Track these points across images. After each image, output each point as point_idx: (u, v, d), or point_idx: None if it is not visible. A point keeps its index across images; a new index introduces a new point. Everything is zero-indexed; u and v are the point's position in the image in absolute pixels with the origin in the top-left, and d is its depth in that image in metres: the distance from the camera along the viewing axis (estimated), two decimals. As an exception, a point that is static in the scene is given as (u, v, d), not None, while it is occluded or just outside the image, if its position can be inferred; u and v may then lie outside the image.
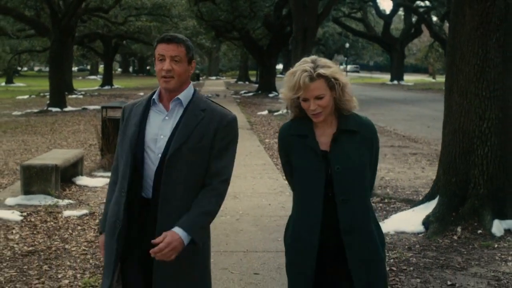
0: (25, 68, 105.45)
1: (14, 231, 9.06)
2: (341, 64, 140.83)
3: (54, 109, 32.37)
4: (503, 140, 9.39)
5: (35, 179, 10.79)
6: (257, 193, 11.31)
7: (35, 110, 32.77)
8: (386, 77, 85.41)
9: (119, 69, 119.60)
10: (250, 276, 7.12)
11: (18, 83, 72.17)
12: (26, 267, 7.51)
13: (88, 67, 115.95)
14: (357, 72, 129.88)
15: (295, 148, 4.01)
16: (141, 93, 47.83)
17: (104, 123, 14.09)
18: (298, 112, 4.04)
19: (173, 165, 3.96)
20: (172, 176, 3.96)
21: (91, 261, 7.74)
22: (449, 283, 7.02)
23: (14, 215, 9.80)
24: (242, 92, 53.73)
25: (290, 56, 36.04)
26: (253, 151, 17.08)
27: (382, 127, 24.82)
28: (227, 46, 78.17)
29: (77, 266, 7.57)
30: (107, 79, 65.27)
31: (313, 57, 3.99)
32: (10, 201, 10.73)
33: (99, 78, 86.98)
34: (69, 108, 33.12)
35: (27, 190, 10.82)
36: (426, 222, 9.20)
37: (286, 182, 4.55)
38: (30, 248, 8.28)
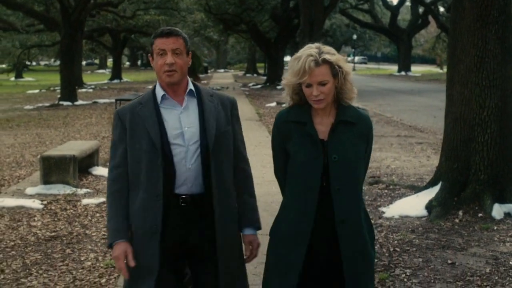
0: (34, 63, 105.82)
1: (36, 219, 9.51)
2: (348, 55, 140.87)
3: (65, 103, 32.81)
4: (503, 127, 9.77)
5: (54, 169, 11.24)
6: (267, 181, 11.69)
7: (47, 104, 33.22)
8: (393, 68, 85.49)
9: (128, 63, 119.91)
10: (261, 256, 7.51)
11: (28, 78, 72.64)
12: (50, 250, 7.96)
13: (96, 61, 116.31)
14: (365, 63, 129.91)
15: (292, 135, 4.00)
16: (150, 86, 48.07)
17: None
18: (298, 99, 4.04)
19: (215, 154, 4.03)
20: (218, 164, 4.05)
21: (111, 245, 8.18)
22: (449, 262, 7.44)
23: (35, 204, 10.26)
24: (250, 84, 54.03)
25: (297, 48, 36.29)
26: (262, 141, 17.47)
27: (388, 117, 25.19)
28: (235, 39, 78.28)
29: (98, 249, 8.02)
30: (116, 73, 65.59)
31: (317, 44, 3.99)
32: (30, 190, 11.19)
33: (107, 72, 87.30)
34: (80, 102, 33.55)
35: (46, 180, 11.26)
36: (429, 207, 9.61)
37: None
38: (53, 234, 8.74)
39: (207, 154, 4.02)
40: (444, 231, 8.71)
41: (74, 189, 11.18)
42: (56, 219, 9.51)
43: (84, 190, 11.27)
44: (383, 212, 9.77)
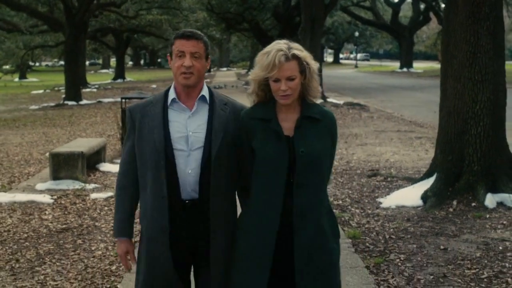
0: (37, 64, 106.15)
1: (47, 212, 9.90)
2: (351, 52, 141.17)
3: (70, 103, 33.22)
4: (495, 120, 10.15)
5: (63, 165, 11.63)
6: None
7: (52, 104, 33.63)
8: (396, 64, 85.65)
9: (130, 62, 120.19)
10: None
11: (31, 78, 73.00)
12: (61, 241, 8.36)
13: (100, 61, 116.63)
14: (368, 60, 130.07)
15: (257, 132, 3.99)
16: (154, 86, 48.63)
17: (124, 113, 14.88)
18: (263, 96, 4.04)
19: (218, 161, 4.01)
20: (219, 172, 4.02)
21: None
22: (442, 247, 7.83)
23: (46, 198, 10.66)
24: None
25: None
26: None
27: (389, 113, 25.55)
28: (237, 38, 78.46)
29: (107, 240, 8.41)
30: (119, 73, 65.88)
31: (285, 40, 4.01)
32: (40, 186, 11.60)
33: (111, 71, 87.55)
34: (84, 102, 33.93)
35: (56, 176, 11.66)
36: (424, 197, 9.99)
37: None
38: (64, 226, 9.13)
39: (208, 161, 4.00)
40: (438, 220, 9.09)
41: (82, 184, 11.56)
42: (66, 213, 9.90)
43: (92, 185, 11.67)
44: (380, 203, 10.14)
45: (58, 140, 18.65)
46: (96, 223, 9.19)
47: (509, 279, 6.72)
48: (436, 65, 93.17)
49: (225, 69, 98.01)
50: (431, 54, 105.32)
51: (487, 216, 9.19)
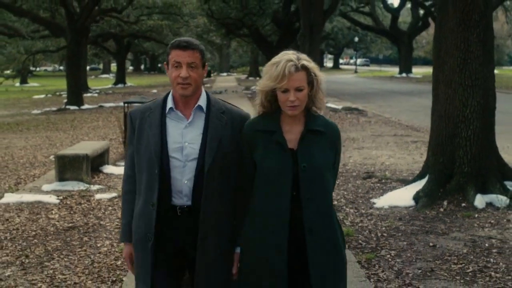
0: (38, 69, 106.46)
1: (53, 212, 10.29)
2: (351, 58, 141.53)
3: (72, 107, 33.58)
4: (484, 123, 10.54)
5: (68, 167, 12.02)
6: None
7: (54, 109, 34.01)
8: (395, 70, 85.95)
9: (131, 67, 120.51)
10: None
11: (32, 83, 73.41)
12: (68, 239, 8.75)
13: (100, 66, 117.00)
14: (367, 65, 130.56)
15: (260, 144, 3.99)
16: (154, 91, 48.96)
17: (126, 118, 15.27)
18: (269, 107, 4.04)
19: (212, 172, 4.01)
20: (211, 183, 4.02)
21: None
22: (431, 244, 8.22)
23: (52, 199, 11.05)
24: (253, 87, 54.67)
25: (298, 51, 36.91)
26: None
27: (387, 117, 25.92)
28: (237, 43, 78.90)
29: (112, 237, 8.80)
30: (120, 78, 66.31)
31: (293, 50, 4.01)
32: (46, 187, 11.99)
33: (111, 76, 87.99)
34: (86, 106, 34.29)
35: (61, 177, 12.05)
36: (416, 197, 10.37)
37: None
38: (70, 225, 9.53)
39: (201, 172, 4.01)
40: (429, 219, 9.49)
41: (87, 185, 11.96)
42: (72, 212, 10.29)
43: (96, 186, 12.07)
44: (374, 203, 10.53)
45: (61, 144, 19.03)
46: (101, 222, 9.57)
47: (492, 273, 7.12)
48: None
49: (225, 74, 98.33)
50: (430, 59, 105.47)
51: (476, 215, 9.57)
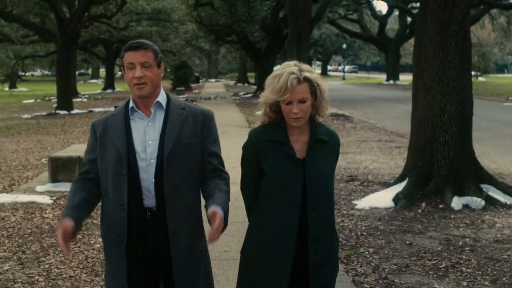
0: (26, 73, 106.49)
1: (47, 211, 10.68)
2: (339, 64, 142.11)
3: (62, 112, 33.87)
4: (462, 129, 11.03)
5: (61, 169, 12.41)
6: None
7: (44, 113, 34.33)
8: (383, 77, 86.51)
9: (120, 73, 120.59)
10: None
11: (21, 88, 73.64)
12: (63, 236, 9.14)
13: (89, 71, 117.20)
14: (356, 72, 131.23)
15: (270, 154, 3.99)
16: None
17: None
18: (274, 117, 4.04)
19: (170, 167, 4.00)
20: (172, 179, 4.01)
21: (115, 232, 9.43)
22: (407, 242, 8.68)
23: (45, 199, 11.45)
24: (241, 93, 55.09)
25: (286, 57, 37.40)
26: (250, 145, 18.63)
27: (372, 124, 26.40)
28: (226, 49, 79.33)
29: (105, 235, 9.21)
30: (109, 83, 66.67)
31: (295, 61, 4.02)
32: (39, 188, 12.40)
33: (100, 82, 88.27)
34: (76, 111, 34.58)
35: (54, 178, 12.44)
36: (396, 199, 10.84)
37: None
38: (64, 223, 9.92)
39: (161, 168, 4.02)
40: (407, 219, 9.95)
41: (79, 186, 12.32)
42: (65, 212, 10.69)
43: (88, 188, 12.45)
44: (356, 204, 10.98)
45: (52, 147, 19.38)
46: (94, 221, 9.94)
47: (464, 269, 7.57)
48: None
49: (213, 80, 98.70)
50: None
51: (452, 216, 10.03)
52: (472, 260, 7.92)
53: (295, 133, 4.02)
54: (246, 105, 38.73)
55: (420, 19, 11.61)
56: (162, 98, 4.15)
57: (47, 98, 49.67)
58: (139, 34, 53.47)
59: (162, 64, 4.18)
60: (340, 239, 8.86)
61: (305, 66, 3.98)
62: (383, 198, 11.05)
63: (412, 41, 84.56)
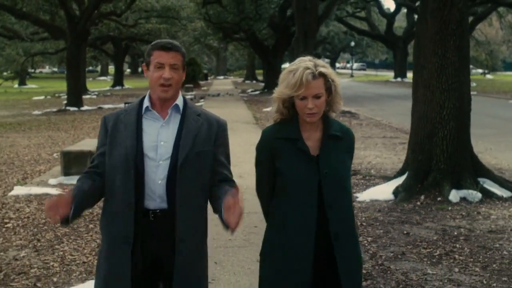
0: (36, 70, 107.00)
1: (60, 203, 11.10)
2: (347, 62, 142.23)
3: (71, 108, 34.45)
4: (460, 124, 11.41)
5: (73, 162, 12.85)
6: (259, 174, 13.25)
7: (54, 110, 34.88)
8: (391, 74, 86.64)
9: (128, 70, 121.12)
10: (251, 228, 9.20)
11: (31, 85, 74.15)
12: (75, 226, 9.55)
13: (98, 68, 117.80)
14: (364, 70, 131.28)
15: (283, 152, 3.95)
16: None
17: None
18: (286, 113, 4.01)
19: (184, 171, 3.95)
20: (184, 182, 3.96)
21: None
22: (405, 232, 9.08)
23: (58, 191, 11.88)
24: (249, 90, 55.43)
25: (293, 55, 37.66)
26: (257, 141, 19.00)
27: (378, 120, 26.76)
28: (234, 46, 79.66)
29: (115, 225, 9.64)
30: (118, 80, 67.02)
31: (309, 57, 3.97)
32: (52, 181, 12.87)
33: (109, 79, 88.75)
34: (85, 108, 35.15)
35: (66, 172, 12.89)
36: (395, 192, 11.24)
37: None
38: (76, 214, 10.35)
39: (174, 171, 3.97)
40: (406, 211, 10.35)
41: (91, 179, 12.75)
42: (77, 203, 11.11)
43: (99, 181, 12.89)
44: (357, 197, 11.37)
45: (63, 142, 19.84)
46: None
47: (456, 256, 7.97)
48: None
49: (222, 77, 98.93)
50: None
51: (449, 208, 10.42)
52: (465, 248, 8.31)
53: (308, 130, 3.98)
54: (254, 102, 39.13)
55: (420, 18, 12.01)
56: (180, 101, 4.10)
57: (56, 95, 50.23)
58: (148, 31, 53.94)
59: (185, 67, 4.15)
60: (340, 229, 9.27)
61: (320, 62, 3.93)
62: (383, 191, 11.44)
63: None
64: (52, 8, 41.30)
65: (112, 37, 56.39)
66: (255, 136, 20.31)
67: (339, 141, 4.00)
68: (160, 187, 3.96)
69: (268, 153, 4.02)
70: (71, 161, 12.85)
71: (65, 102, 36.57)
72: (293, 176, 3.91)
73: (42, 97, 49.24)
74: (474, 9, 48.24)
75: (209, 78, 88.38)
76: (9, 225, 9.74)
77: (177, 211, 3.95)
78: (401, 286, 6.94)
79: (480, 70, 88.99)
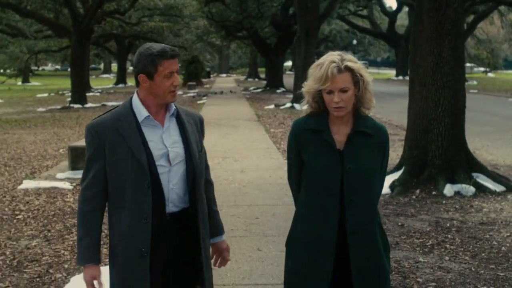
0: (39, 68, 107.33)
1: (68, 196, 11.51)
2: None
3: (75, 106, 34.83)
4: (454, 121, 11.81)
5: (80, 157, 13.18)
6: (261, 168, 13.66)
7: (58, 107, 35.30)
8: (393, 72, 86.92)
9: (131, 68, 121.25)
10: (252, 219, 9.60)
11: (34, 82, 74.58)
12: (84, 217, 9.96)
13: (101, 66, 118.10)
14: (366, 68, 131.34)
15: (309, 143, 3.94)
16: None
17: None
18: (317, 107, 3.98)
19: (198, 172, 4.02)
20: (200, 184, 4.06)
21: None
22: (399, 224, 9.48)
23: (66, 185, 12.30)
24: (251, 88, 55.76)
25: (295, 53, 38.03)
26: (259, 138, 19.46)
27: (378, 118, 26.99)
28: (236, 44, 79.95)
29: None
30: (121, 78, 67.42)
31: (339, 51, 3.95)
32: (60, 175, 13.29)
33: (112, 76, 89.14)
34: (89, 105, 35.50)
35: (73, 166, 13.28)
36: (392, 186, 11.61)
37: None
38: (84, 206, 10.76)
39: (192, 173, 3.99)
40: (401, 204, 10.74)
41: (97, 174, 13.14)
42: (84, 197, 11.53)
43: (105, 175, 13.31)
44: (355, 191, 11.74)
45: (69, 139, 20.21)
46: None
47: (448, 245, 8.38)
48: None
49: (224, 75, 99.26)
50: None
51: (444, 202, 10.82)
52: (457, 239, 8.71)
53: (337, 124, 3.94)
54: (256, 99, 39.49)
55: (416, 18, 12.37)
56: (170, 105, 4.07)
57: (60, 92, 50.58)
58: (151, 29, 54.34)
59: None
60: (338, 221, 9.64)
61: (348, 56, 3.89)
62: (380, 185, 11.80)
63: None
64: (56, 7, 41.64)
65: (115, 35, 56.76)
66: (257, 133, 20.90)
67: (369, 138, 3.93)
68: (173, 192, 3.96)
69: (295, 144, 4.02)
70: (78, 156, 13.21)
71: (69, 99, 36.94)
72: (316, 167, 3.91)
73: (45, 95, 49.60)
74: (476, 7, 48.55)
75: (211, 76, 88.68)
76: (19, 216, 10.14)
77: (198, 212, 4.02)
78: (393, 273, 7.33)
79: (481, 69, 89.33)
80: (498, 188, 11.58)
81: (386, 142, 4.05)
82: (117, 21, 49.76)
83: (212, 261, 4.36)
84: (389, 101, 37.96)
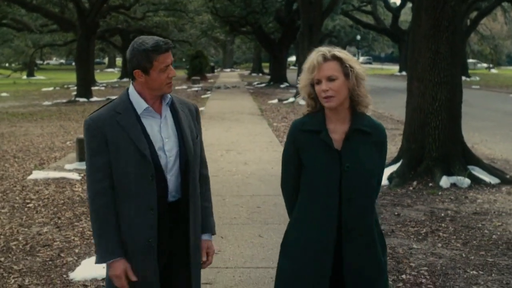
0: (45, 62, 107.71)
1: (77, 186, 11.90)
2: (354, 55, 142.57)
3: (81, 99, 35.26)
4: (451, 115, 12.17)
5: (88, 149, 13.62)
6: (263, 161, 14.02)
7: (64, 101, 35.75)
8: (397, 68, 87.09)
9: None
10: (254, 208, 9.98)
11: (39, 76, 74.98)
12: (92, 206, 10.35)
13: (105, 60, 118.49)
14: (370, 63, 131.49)
15: (307, 144, 3.89)
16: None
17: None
18: (314, 105, 3.94)
19: (195, 161, 4.05)
20: (194, 174, 4.06)
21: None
22: (396, 213, 9.86)
23: (74, 175, 12.68)
24: (255, 83, 56.06)
25: (298, 48, 38.25)
26: (262, 132, 19.82)
27: (380, 113, 27.42)
28: (240, 40, 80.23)
29: (129, 205, 10.43)
30: (126, 72, 67.32)
31: (331, 46, 3.92)
32: (68, 166, 13.70)
33: (116, 70, 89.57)
34: (94, 99, 35.94)
35: (81, 158, 13.60)
36: (390, 178, 11.97)
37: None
38: (92, 196, 11.16)
39: (185, 163, 4.00)
40: (398, 195, 11.11)
41: (104, 164, 13.51)
42: (92, 187, 11.92)
43: (112, 166, 13.70)
44: (354, 183, 12.11)
45: (75, 132, 20.60)
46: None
47: (441, 233, 8.75)
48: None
49: (228, 70, 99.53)
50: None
51: (439, 193, 11.18)
52: (450, 227, 9.09)
53: (334, 122, 3.87)
54: (260, 94, 39.86)
55: (415, 15, 12.74)
56: (167, 96, 4.06)
57: (65, 86, 50.97)
58: (155, 24, 54.64)
59: None
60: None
61: (338, 49, 3.85)
62: (379, 177, 12.16)
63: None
64: (62, 1, 41.94)
65: (120, 29, 57.05)
66: (260, 127, 21.30)
67: (367, 136, 3.85)
68: (171, 182, 3.96)
69: (293, 146, 3.95)
70: (85, 148, 13.60)
71: (74, 93, 37.32)
72: (315, 168, 3.85)
73: (51, 88, 49.96)
74: (479, 4, 48.85)
75: (215, 70, 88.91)
76: (30, 205, 10.53)
77: (189, 202, 4.01)
78: (388, 258, 7.70)
79: (485, 65, 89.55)
80: (493, 180, 11.93)
81: (384, 141, 3.97)
82: (122, 15, 50.07)
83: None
84: (392, 96, 38.31)
